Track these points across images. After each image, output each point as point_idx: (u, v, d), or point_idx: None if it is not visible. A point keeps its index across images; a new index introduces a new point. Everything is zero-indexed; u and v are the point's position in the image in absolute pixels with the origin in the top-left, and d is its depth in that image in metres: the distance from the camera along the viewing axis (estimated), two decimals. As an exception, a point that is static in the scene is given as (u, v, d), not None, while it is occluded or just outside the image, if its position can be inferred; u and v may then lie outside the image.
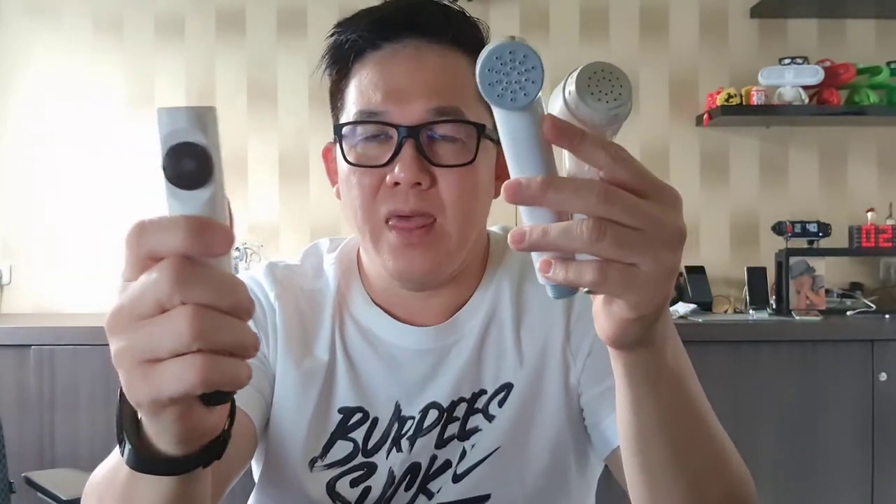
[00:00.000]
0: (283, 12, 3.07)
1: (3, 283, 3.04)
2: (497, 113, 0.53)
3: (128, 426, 0.54)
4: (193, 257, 0.46)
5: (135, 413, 0.54)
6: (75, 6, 3.05)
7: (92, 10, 3.05)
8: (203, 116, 0.46)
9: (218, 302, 0.46)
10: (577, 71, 0.52)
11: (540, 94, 0.52)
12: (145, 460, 0.54)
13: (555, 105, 0.55)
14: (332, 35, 0.93)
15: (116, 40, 3.06)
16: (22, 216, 3.04)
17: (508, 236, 0.53)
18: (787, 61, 2.89)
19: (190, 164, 0.46)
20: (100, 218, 3.02)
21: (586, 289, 0.55)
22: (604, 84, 0.51)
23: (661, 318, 0.58)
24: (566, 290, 0.56)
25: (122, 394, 0.52)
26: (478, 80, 0.51)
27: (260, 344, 0.47)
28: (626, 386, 0.64)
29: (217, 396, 0.50)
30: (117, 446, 0.56)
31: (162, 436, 0.53)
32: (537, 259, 0.54)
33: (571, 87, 0.52)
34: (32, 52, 3.05)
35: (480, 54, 0.51)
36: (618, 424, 0.70)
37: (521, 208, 0.54)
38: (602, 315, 0.58)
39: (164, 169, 0.46)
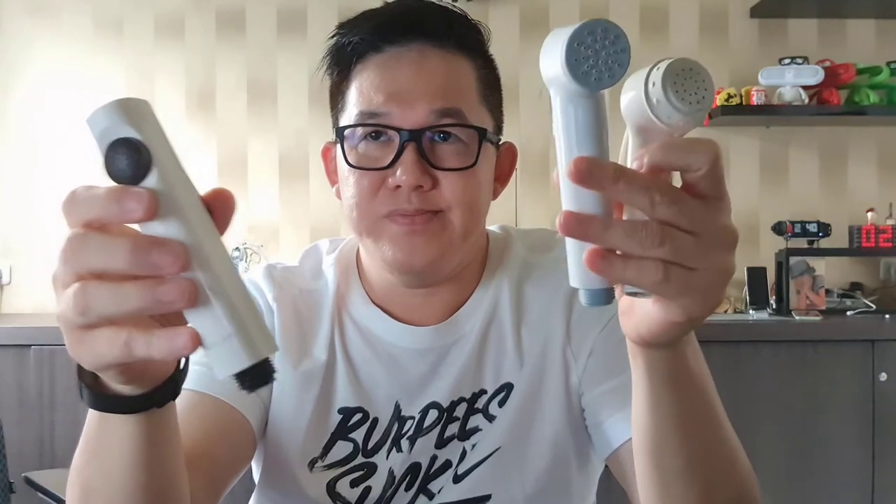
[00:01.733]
0: (283, 12, 3.07)
1: (3, 283, 3.04)
2: (565, 94, 0.50)
3: (84, 372, 0.58)
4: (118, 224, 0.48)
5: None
6: (75, 6, 3.05)
7: (92, 10, 3.05)
8: (130, 109, 0.45)
9: (110, 267, 0.47)
10: (664, 66, 0.50)
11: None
12: (102, 399, 0.59)
13: (633, 99, 0.52)
14: (333, 36, 0.93)
15: (116, 40, 3.06)
16: (22, 216, 3.03)
17: (559, 217, 0.49)
18: (787, 61, 2.89)
19: (127, 160, 0.45)
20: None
21: (629, 290, 0.53)
22: (689, 84, 0.50)
23: None
24: (604, 297, 0.52)
25: None
26: (563, 54, 0.48)
27: (190, 289, 0.46)
28: (646, 385, 0.64)
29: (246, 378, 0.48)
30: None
31: (111, 380, 0.56)
32: (579, 248, 0.51)
33: (657, 82, 0.50)
34: (32, 52, 3.05)
35: (570, 30, 0.48)
36: (633, 426, 0.69)
37: (564, 190, 0.51)
38: (641, 316, 0.57)
39: (106, 169, 0.45)
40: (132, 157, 0.45)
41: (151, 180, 0.45)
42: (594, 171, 0.48)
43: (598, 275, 0.50)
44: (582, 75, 0.48)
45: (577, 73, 0.48)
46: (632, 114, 0.52)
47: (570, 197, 0.51)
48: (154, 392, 0.58)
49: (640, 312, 0.57)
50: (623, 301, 0.59)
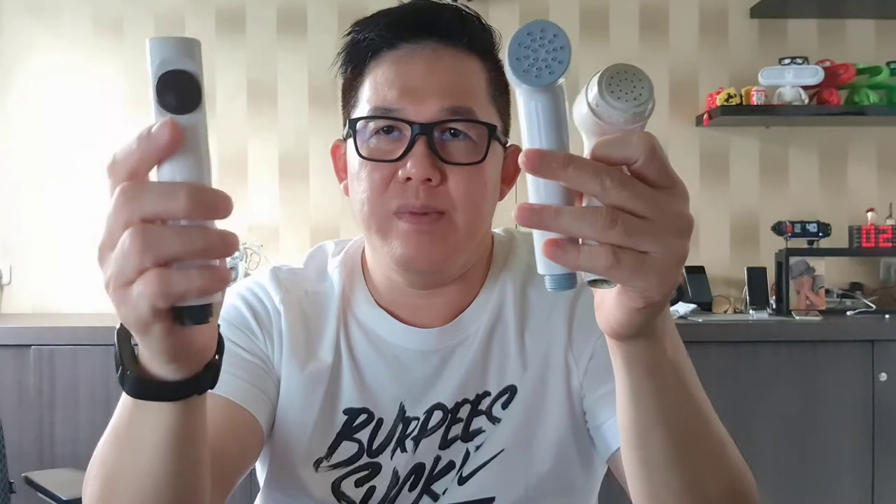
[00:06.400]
0: (283, 12, 3.07)
1: (3, 283, 3.04)
2: (520, 91, 0.54)
3: (126, 357, 0.59)
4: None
5: (132, 347, 0.59)
6: (75, 6, 3.05)
7: (92, 10, 3.05)
8: (192, 46, 0.49)
9: (164, 211, 0.49)
10: (599, 73, 0.53)
11: (563, 78, 0.53)
12: (144, 385, 0.59)
13: (579, 109, 0.55)
14: (348, 34, 0.94)
15: (116, 40, 3.06)
16: (22, 216, 3.04)
17: (515, 209, 0.52)
18: (787, 61, 2.89)
19: (182, 90, 0.49)
20: (100, 218, 3.01)
21: (589, 279, 0.55)
22: (625, 84, 0.53)
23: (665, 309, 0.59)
24: (565, 282, 0.55)
25: (118, 329, 0.59)
26: (507, 55, 0.52)
27: (236, 242, 0.51)
28: (626, 378, 0.65)
29: (189, 312, 0.52)
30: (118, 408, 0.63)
31: (155, 357, 0.57)
32: (541, 238, 0.54)
33: (594, 88, 0.53)
34: (32, 52, 3.05)
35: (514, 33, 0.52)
36: (617, 419, 0.70)
37: (530, 186, 0.54)
38: (607, 305, 0.59)
39: (158, 94, 0.49)
40: (186, 90, 0.49)
41: (193, 116, 0.49)
42: (544, 159, 0.51)
43: (557, 263, 0.53)
44: (524, 73, 0.52)
45: (518, 70, 0.52)
46: (581, 123, 0.56)
47: (532, 189, 0.55)
48: (194, 378, 0.59)
49: (607, 305, 0.59)
50: (595, 296, 0.61)
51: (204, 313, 0.52)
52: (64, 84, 3.04)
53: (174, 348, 0.56)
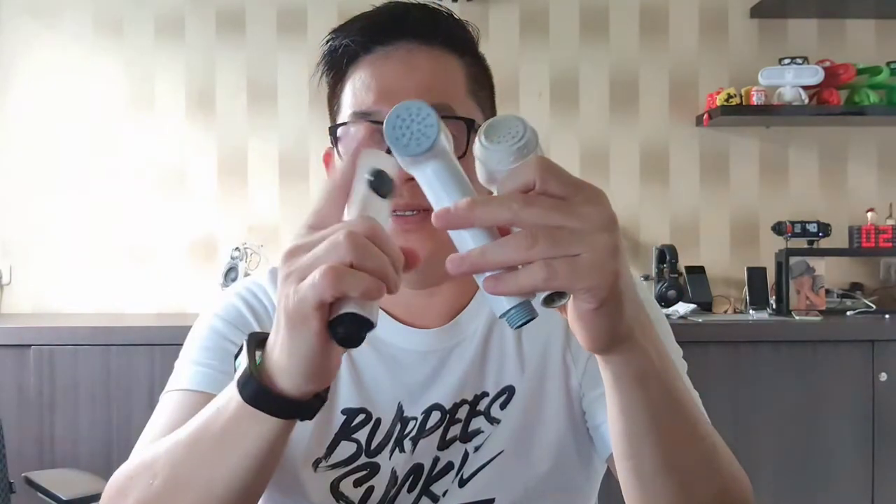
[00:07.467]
0: (283, 12, 3.07)
1: (3, 283, 3.04)
2: (410, 165, 0.60)
3: (252, 362, 0.63)
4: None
5: (257, 355, 0.63)
6: (75, 6, 3.05)
7: (92, 10, 3.05)
8: (391, 161, 0.62)
9: (373, 239, 0.57)
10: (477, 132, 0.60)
11: (441, 140, 0.59)
12: (262, 393, 0.63)
13: (477, 169, 0.61)
14: (326, 42, 0.95)
15: (116, 40, 3.06)
16: (22, 216, 3.04)
17: (446, 262, 0.55)
18: (787, 61, 2.89)
19: (387, 182, 0.62)
20: (100, 218, 3.02)
21: (541, 299, 0.56)
22: (500, 129, 0.59)
23: (628, 309, 0.60)
24: (523, 313, 0.58)
25: (249, 336, 0.65)
26: (386, 138, 0.59)
27: (398, 284, 0.59)
28: (615, 391, 0.67)
29: (350, 321, 0.57)
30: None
31: (292, 361, 0.60)
32: (481, 280, 0.56)
33: (476, 144, 0.59)
34: (32, 51, 3.05)
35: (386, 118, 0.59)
36: (609, 429, 0.72)
37: (454, 237, 0.58)
38: (574, 321, 0.60)
39: (370, 183, 0.62)
40: (386, 182, 0.62)
41: (389, 201, 0.63)
42: (451, 212, 0.55)
43: (500, 295, 0.56)
44: (405, 147, 0.59)
45: (400, 146, 0.59)
46: (485, 180, 0.61)
47: (458, 243, 0.58)
48: (307, 401, 0.64)
49: (576, 322, 0.60)
50: (569, 318, 0.62)
51: (361, 325, 0.57)
52: (64, 84, 3.04)
53: (315, 352, 0.59)
